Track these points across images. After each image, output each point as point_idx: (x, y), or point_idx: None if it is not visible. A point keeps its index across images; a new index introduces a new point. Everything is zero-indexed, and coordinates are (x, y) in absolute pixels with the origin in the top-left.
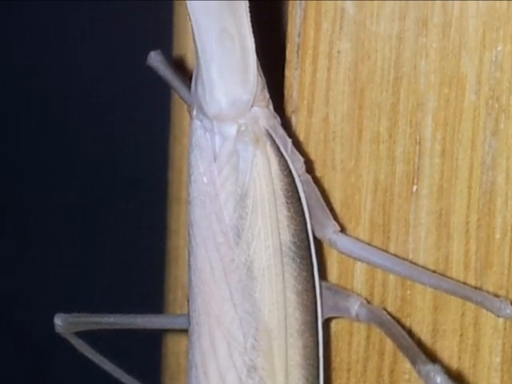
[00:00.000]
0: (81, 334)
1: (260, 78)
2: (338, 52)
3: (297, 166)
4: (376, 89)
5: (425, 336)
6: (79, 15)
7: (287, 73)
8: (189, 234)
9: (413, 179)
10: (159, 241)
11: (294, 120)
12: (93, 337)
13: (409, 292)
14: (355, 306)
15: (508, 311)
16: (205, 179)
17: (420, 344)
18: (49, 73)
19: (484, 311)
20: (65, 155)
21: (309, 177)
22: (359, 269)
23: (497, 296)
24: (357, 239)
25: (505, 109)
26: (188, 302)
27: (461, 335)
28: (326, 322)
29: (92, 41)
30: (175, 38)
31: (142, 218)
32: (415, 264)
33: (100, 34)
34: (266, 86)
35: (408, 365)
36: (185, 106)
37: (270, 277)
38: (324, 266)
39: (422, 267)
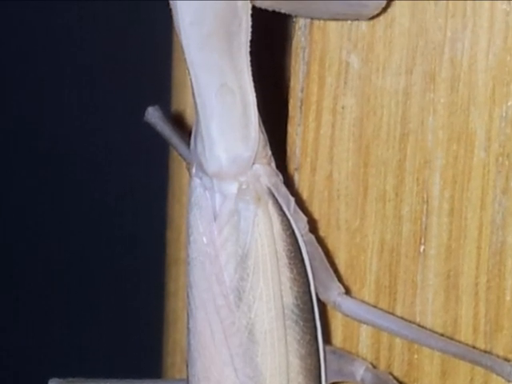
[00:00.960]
0: None
1: (262, 135)
2: (343, 107)
3: (300, 225)
4: (382, 145)
5: None
6: (77, 69)
7: (290, 129)
8: (188, 297)
9: (420, 239)
10: (157, 303)
11: (296, 178)
12: None
13: (416, 356)
14: (360, 371)
15: None
16: (204, 239)
17: None
18: (45, 127)
19: (494, 376)
20: (62, 213)
21: (312, 237)
22: (364, 332)
23: (507, 360)
24: (362, 301)
25: None
26: (187, 366)
27: None
28: None
29: (89, 96)
30: (174, 92)
31: (139, 279)
32: (422, 327)
33: (97, 88)
34: (267, 143)
35: None
36: (184, 164)
37: (272, 340)
38: (328, 329)
39: (430, 330)
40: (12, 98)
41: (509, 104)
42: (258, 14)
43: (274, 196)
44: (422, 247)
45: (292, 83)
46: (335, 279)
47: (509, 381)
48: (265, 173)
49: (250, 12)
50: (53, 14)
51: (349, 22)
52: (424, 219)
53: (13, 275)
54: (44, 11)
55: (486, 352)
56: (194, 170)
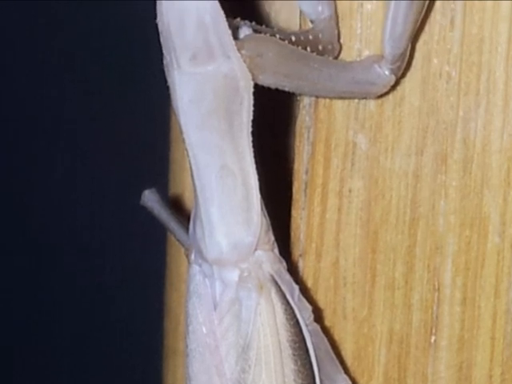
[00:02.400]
0: None
1: (264, 219)
2: (350, 191)
3: (304, 314)
4: (391, 231)
5: None
6: (73, 153)
7: (294, 213)
8: None
9: (431, 329)
10: None
11: (301, 264)
12: None
13: None
14: None
15: None
16: (204, 329)
17: None
18: (38, 211)
19: None
20: (56, 304)
21: (317, 326)
22: None
23: None
24: None
25: None
26: None
27: None
28: None
29: (84, 179)
30: (171, 175)
31: (136, 371)
32: None
33: (92, 170)
34: (270, 228)
35: None
36: (182, 250)
37: None
38: None
39: None
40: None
41: None
42: (260, 91)
43: (277, 284)
44: (433, 338)
45: (296, 165)
46: (341, 371)
47: None
48: (267, 259)
49: (252, 90)
50: (45, 99)
51: (356, 100)
52: (435, 308)
53: None
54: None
55: None
56: (192, 257)
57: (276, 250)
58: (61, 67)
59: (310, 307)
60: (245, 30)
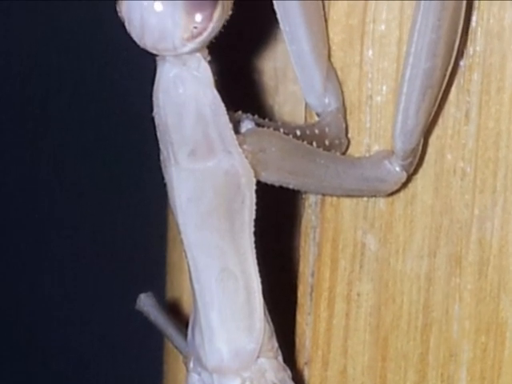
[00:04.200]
0: None
1: (267, 325)
2: (358, 294)
3: None
4: (402, 337)
5: None
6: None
7: (299, 318)
8: None
9: None
10: None
11: (306, 373)
12: None
13: None
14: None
15: None
16: None
17: None
18: (32, 307)
19: None
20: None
21: None
22: None
23: None
24: None
25: None
26: None
27: None
28: None
29: (73, 288)
30: (169, 277)
31: None
32: None
33: (83, 273)
34: (274, 334)
35: None
36: (180, 357)
37: None
38: None
39: None
40: None
41: None
42: (263, 188)
43: None
44: None
45: (301, 267)
46: None
47: None
48: (271, 367)
49: (254, 187)
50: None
51: (365, 198)
52: None
53: None
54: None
55: None
56: (191, 365)
57: (280, 358)
58: (54, 167)
59: None
60: (247, 124)
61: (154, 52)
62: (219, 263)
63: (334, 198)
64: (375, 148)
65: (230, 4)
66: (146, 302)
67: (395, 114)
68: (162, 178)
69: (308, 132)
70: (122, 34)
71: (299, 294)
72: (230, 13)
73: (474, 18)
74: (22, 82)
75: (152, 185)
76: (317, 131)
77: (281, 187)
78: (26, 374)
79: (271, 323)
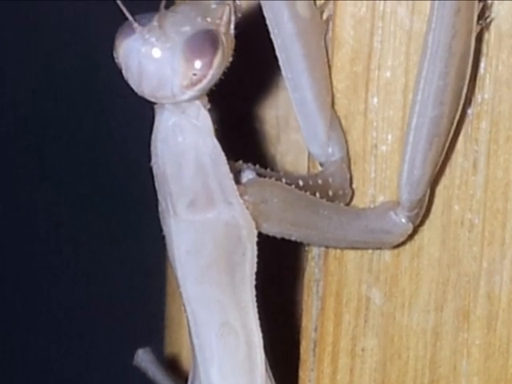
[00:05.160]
0: None
1: (269, 381)
2: (363, 350)
3: None
4: None
5: None
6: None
7: (302, 375)
8: None
9: None
10: None
11: None
12: None
13: None
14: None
15: None
16: None
17: None
18: (28, 359)
19: None
20: None
21: None
22: None
23: None
24: None
25: None
26: None
27: None
28: None
29: (70, 342)
30: (167, 332)
31: None
32: None
33: (81, 328)
34: None
35: None
36: None
37: None
38: None
39: None
40: None
41: None
42: (264, 240)
43: None
44: None
45: (304, 321)
46: None
47: None
48: None
49: (255, 239)
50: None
51: (370, 251)
52: None
53: None
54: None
55: None
56: None
57: None
58: (51, 217)
59: None
60: (248, 174)
61: (152, 100)
62: (219, 317)
63: (338, 251)
64: (380, 199)
65: (230, 50)
66: (143, 358)
67: (401, 164)
68: (161, 230)
69: (311, 182)
70: (119, 80)
71: (302, 350)
72: (231, 59)
73: (482, 65)
74: (16, 131)
75: (150, 237)
76: (320, 181)
77: (283, 239)
78: None
79: (273, 380)
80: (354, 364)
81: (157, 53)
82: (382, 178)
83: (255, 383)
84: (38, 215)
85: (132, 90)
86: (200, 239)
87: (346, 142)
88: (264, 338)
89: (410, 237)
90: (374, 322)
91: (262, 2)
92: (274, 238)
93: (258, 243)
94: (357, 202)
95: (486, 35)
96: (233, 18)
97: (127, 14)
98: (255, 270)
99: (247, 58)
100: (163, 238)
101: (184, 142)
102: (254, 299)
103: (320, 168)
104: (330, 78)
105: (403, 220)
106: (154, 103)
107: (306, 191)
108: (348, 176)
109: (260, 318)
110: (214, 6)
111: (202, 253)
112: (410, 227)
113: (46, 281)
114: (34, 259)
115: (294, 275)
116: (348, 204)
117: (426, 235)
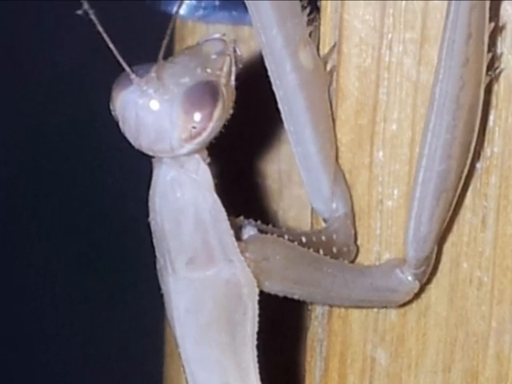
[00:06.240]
0: None
1: None
2: None
3: None
4: None
5: None
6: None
7: None
8: None
9: None
10: None
11: None
12: None
13: None
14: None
15: None
16: None
17: None
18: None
19: None
20: None
21: None
22: None
23: None
24: None
25: None
26: None
27: None
28: None
29: None
30: None
31: None
32: None
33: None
34: None
35: None
36: None
37: None
38: None
39: None
40: None
41: None
42: (266, 299)
43: None
44: None
45: (307, 382)
46: None
47: None
48: None
49: (257, 298)
50: None
51: (375, 309)
52: None
53: None
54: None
55: None
56: None
57: None
58: (46, 276)
59: None
60: (249, 230)
61: (150, 153)
62: (219, 379)
63: (342, 310)
64: (386, 256)
65: (231, 102)
66: None
67: (407, 220)
68: (159, 288)
69: (314, 239)
70: (116, 133)
71: None
72: (231, 111)
73: (491, 117)
74: (10, 186)
75: (148, 295)
76: (324, 238)
77: (285, 297)
78: None
79: None
80: None
81: (155, 105)
82: (388, 234)
83: None
84: (33, 273)
85: (129, 144)
86: (199, 298)
87: (351, 197)
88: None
89: (417, 295)
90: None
91: (263, 52)
92: (276, 296)
93: (260, 302)
94: (362, 259)
95: (496, 86)
96: (233, 69)
97: (124, 65)
98: (256, 329)
99: (248, 110)
100: (161, 296)
101: (183, 198)
102: (256, 360)
103: (324, 224)
104: (334, 130)
105: (410, 278)
106: (151, 157)
107: (309, 248)
108: (352, 232)
109: (261, 380)
110: (214, 57)
111: (201, 312)
112: (417, 285)
113: (41, 341)
114: (29, 319)
115: (296, 335)
116: (352, 261)
117: (433, 294)
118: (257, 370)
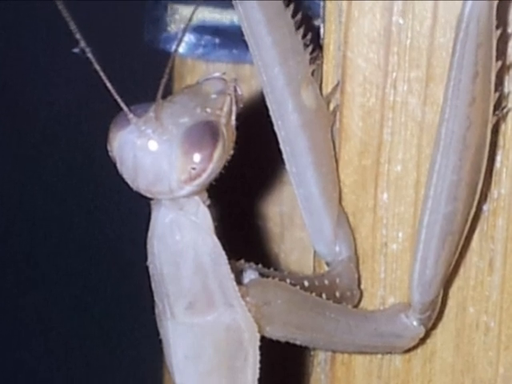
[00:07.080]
0: None
1: None
2: None
3: None
4: None
5: None
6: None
7: None
8: None
9: None
10: None
11: None
12: None
13: None
14: None
15: None
16: None
17: None
18: None
19: None
20: None
21: None
22: None
23: None
24: None
25: None
26: None
27: None
28: None
29: None
30: None
31: None
32: None
33: None
34: None
35: None
36: None
37: None
38: None
39: None
40: None
41: None
42: (267, 340)
43: None
44: None
45: None
46: None
47: None
48: None
49: (258, 344)
50: None
51: (379, 355)
52: None
53: None
54: None
55: None
56: None
57: None
58: (42, 322)
59: None
60: (250, 274)
61: (148, 195)
62: None
63: (346, 355)
64: (390, 300)
65: (231, 143)
66: None
67: (412, 263)
68: (157, 334)
69: (317, 283)
70: (113, 175)
71: None
72: (232, 152)
73: (498, 158)
74: (6, 230)
75: (146, 341)
76: (326, 282)
77: (287, 343)
78: None
79: None
80: None
81: (153, 145)
82: (393, 278)
83: None
84: (27, 319)
85: (127, 185)
86: (199, 343)
87: (354, 240)
88: None
89: (422, 341)
90: None
91: (265, 91)
92: (278, 341)
93: (261, 347)
94: (365, 303)
95: (503, 127)
96: (234, 109)
97: (122, 104)
98: (258, 376)
99: (249, 151)
100: (160, 341)
101: (182, 241)
102: None
103: (326, 268)
104: (338, 172)
105: (415, 323)
106: (150, 199)
107: (311, 292)
108: (356, 276)
109: None
110: (214, 96)
111: (201, 358)
112: (422, 330)
113: None
114: (25, 365)
115: (298, 381)
116: (356, 306)
117: (438, 339)
118: None
